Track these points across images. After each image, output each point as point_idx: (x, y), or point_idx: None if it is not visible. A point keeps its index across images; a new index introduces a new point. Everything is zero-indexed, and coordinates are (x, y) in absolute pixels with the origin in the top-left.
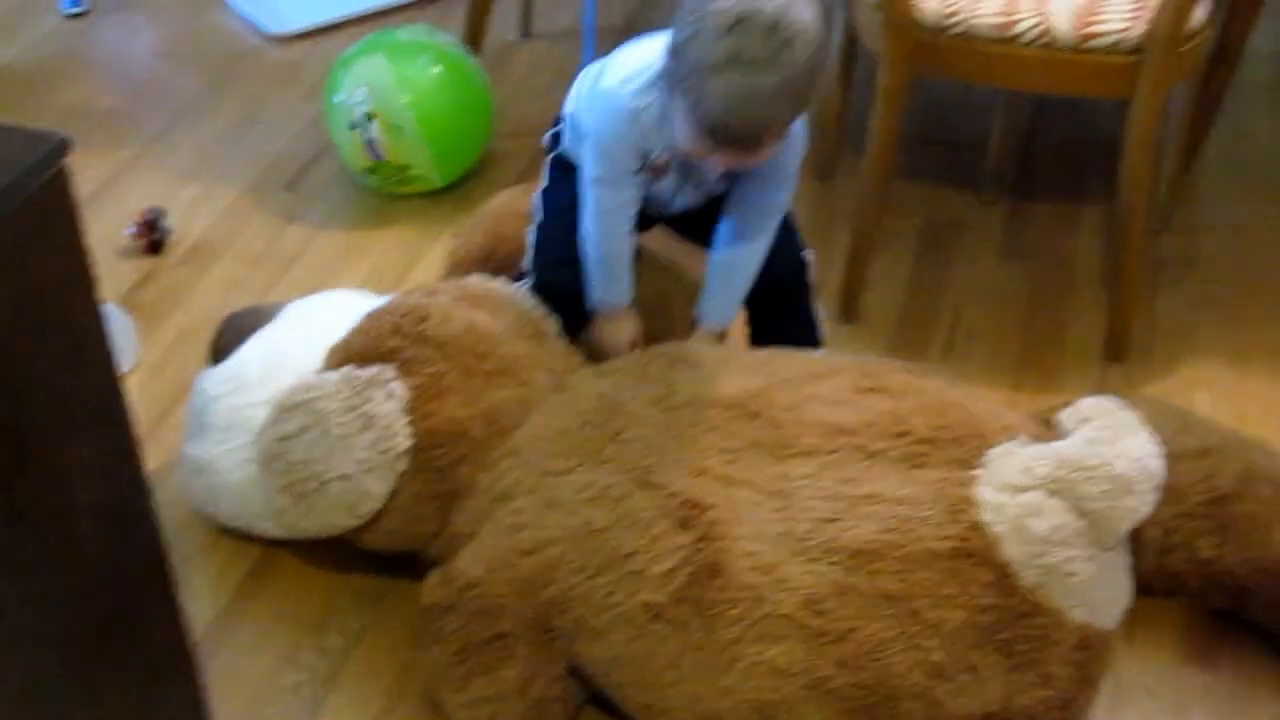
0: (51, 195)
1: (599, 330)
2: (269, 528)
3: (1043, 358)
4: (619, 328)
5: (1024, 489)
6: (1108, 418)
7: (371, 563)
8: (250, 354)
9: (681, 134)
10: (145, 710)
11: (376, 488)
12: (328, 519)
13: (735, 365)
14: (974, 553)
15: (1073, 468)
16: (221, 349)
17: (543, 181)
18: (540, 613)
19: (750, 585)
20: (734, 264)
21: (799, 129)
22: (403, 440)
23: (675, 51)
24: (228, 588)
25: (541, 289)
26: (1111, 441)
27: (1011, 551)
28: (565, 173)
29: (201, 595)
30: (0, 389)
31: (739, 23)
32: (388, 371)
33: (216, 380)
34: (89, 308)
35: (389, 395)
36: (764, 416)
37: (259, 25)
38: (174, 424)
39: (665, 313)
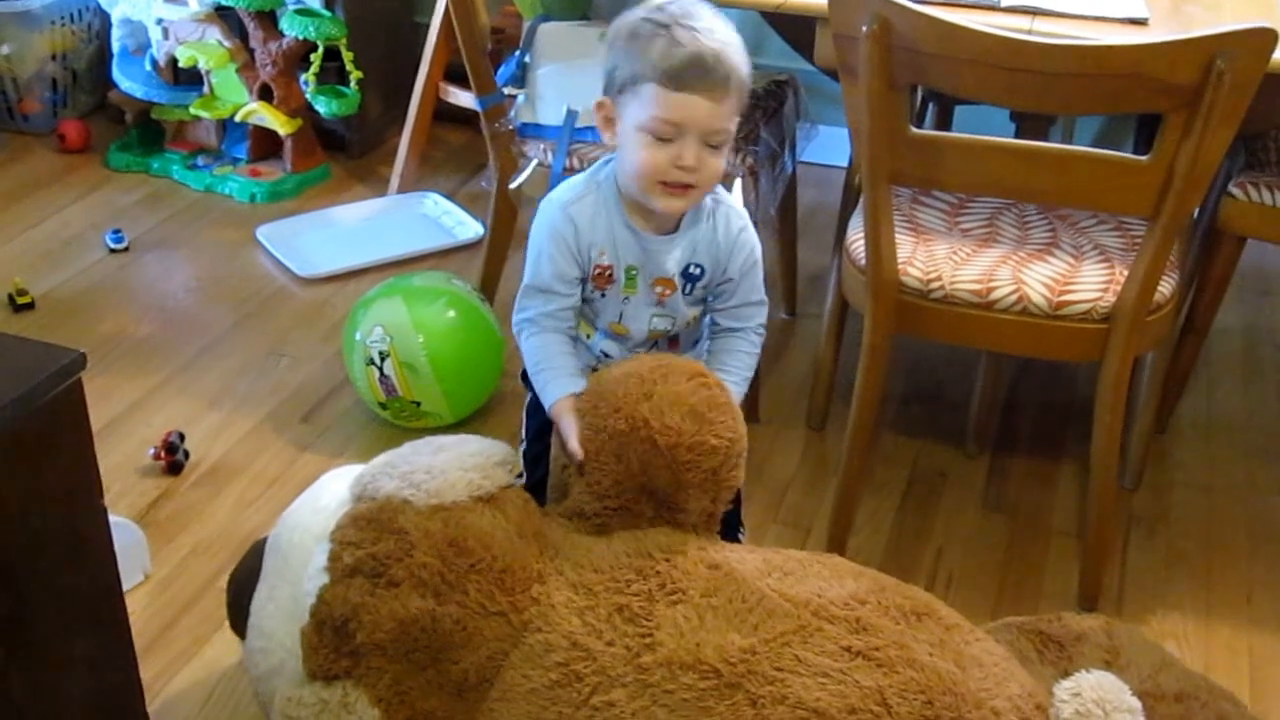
0: (66, 405)
1: (559, 442)
2: None
3: (1019, 604)
4: (567, 430)
5: None
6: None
7: None
8: (252, 638)
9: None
10: None
11: None
12: None
13: (724, 607)
14: None
15: None
16: (236, 619)
17: None
18: None
19: None
20: (728, 349)
21: (750, 238)
22: None
23: (616, 59)
24: None
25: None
26: None
27: None
28: None
29: None
30: (2, 583)
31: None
32: (351, 692)
33: (247, 664)
34: (94, 513)
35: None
36: (743, 691)
37: (288, 267)
38: (177, 635)
39: None
